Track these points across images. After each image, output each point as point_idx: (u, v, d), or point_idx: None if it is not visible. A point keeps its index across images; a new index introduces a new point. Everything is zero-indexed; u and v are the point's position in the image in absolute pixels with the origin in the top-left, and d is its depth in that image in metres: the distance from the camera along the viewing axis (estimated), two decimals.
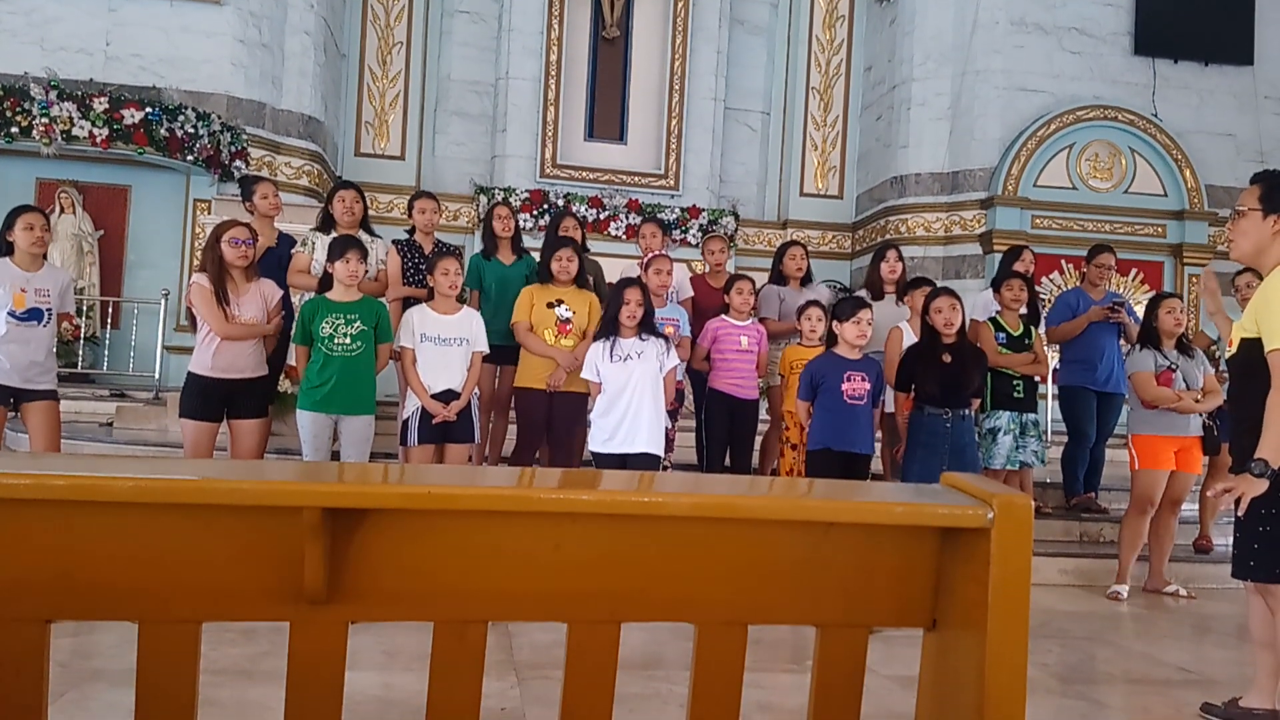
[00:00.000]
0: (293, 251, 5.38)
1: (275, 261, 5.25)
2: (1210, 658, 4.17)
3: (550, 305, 5.06)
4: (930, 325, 4.83)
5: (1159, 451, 5.08)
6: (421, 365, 4.79)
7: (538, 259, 5.85)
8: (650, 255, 5.84)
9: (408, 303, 5.26)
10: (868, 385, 4.64)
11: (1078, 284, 7.41)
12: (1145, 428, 5.11)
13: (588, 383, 4.83)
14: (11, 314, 4.52)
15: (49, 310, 4.62)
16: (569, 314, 5.05)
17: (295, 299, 5.32)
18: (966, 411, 4.81)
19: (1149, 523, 5.23)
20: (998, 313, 5.70)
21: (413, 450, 4.81)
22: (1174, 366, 5.05)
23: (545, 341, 5.02)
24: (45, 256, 4.80)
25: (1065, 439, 6.27)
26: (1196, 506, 5.97)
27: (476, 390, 5.00)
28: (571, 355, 4.96)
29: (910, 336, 5.33)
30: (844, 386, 4.61)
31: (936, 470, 4.27)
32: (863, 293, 6.23)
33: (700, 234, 10.33)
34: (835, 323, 4.79)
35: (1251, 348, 2.84)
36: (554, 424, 5.06)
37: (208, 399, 4.63)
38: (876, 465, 6.09)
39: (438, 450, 4.86)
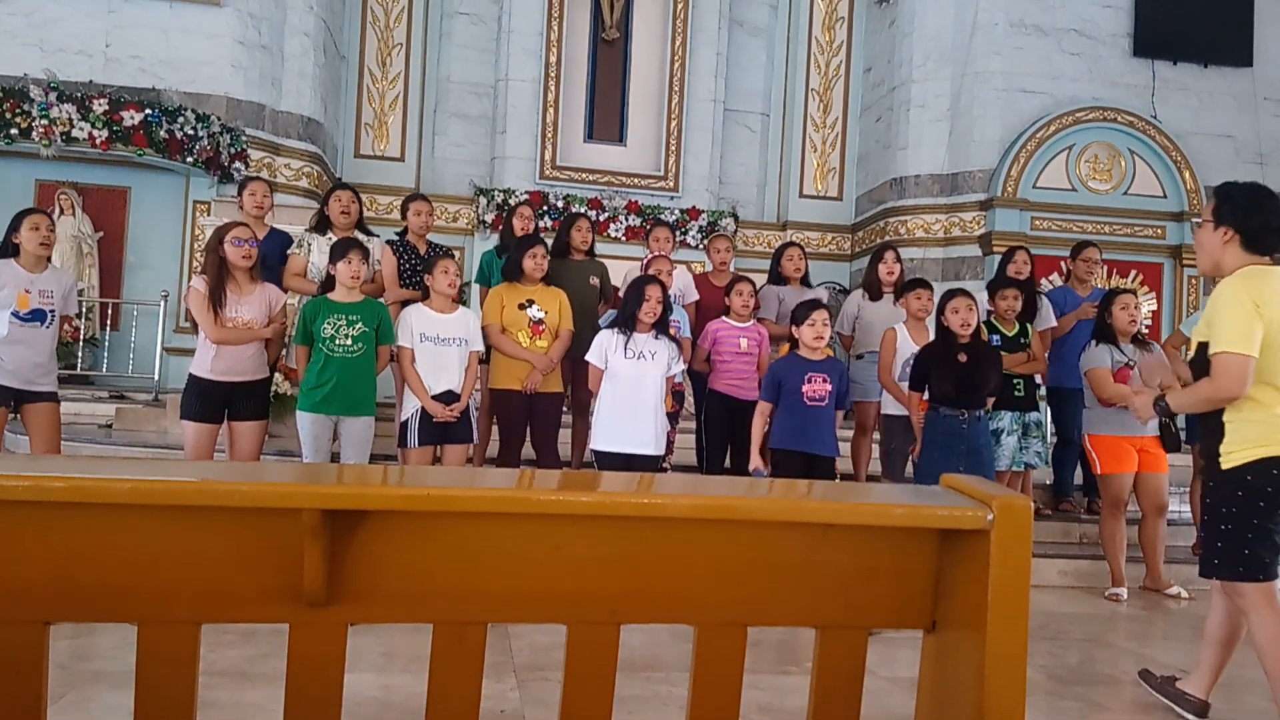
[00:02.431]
0: (288, 253, 5.38)
1: (259, 260, 5.18)
2: None
3: (522, 306, 5.04)
4: (945, 326, 4.80)
5: (1120, 452, 5.06)
6: (420, 365, 4.78)
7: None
8: (649, 256, 5.86)
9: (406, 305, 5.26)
10: (828, 387, 4.61)
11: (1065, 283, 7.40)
12: (1102, 427, 5.07)
13: (562, 379, 4.82)
14: (15, 315, 4.53)
15: (52, 312, 4.63)
16: (541, 314, 5.04)
17: (293, 301, 5.32)
18: (982, 412, 4.79)
19: (1138, 530, 5.23)
20: (991, 315, 5.69)
21: (412, 452, 4.81)
22: (1131, 363, 5.01)
23: (519, 344, 5.02)
24: (50, 259, 4.81)
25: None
26: (1188, 509, 5.94)
27: (476, 390, 5.00)
28: (547, 358, 4.98)
29: (905, 338, 5.32)
30: (804, 388, 4.59)
31: (953, 471, 4.24)
32: (859, 293, 6.24)
33: (700, 235, 10.35)
34: (793, 326, 4.78)
35: (1207, 351, 2.95)
36: (534, 425, 5.07)
37: (208, 401, 4.63)
38: (845, 466, 6.10)
39: (436, 451, 4.86)
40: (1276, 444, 2.84)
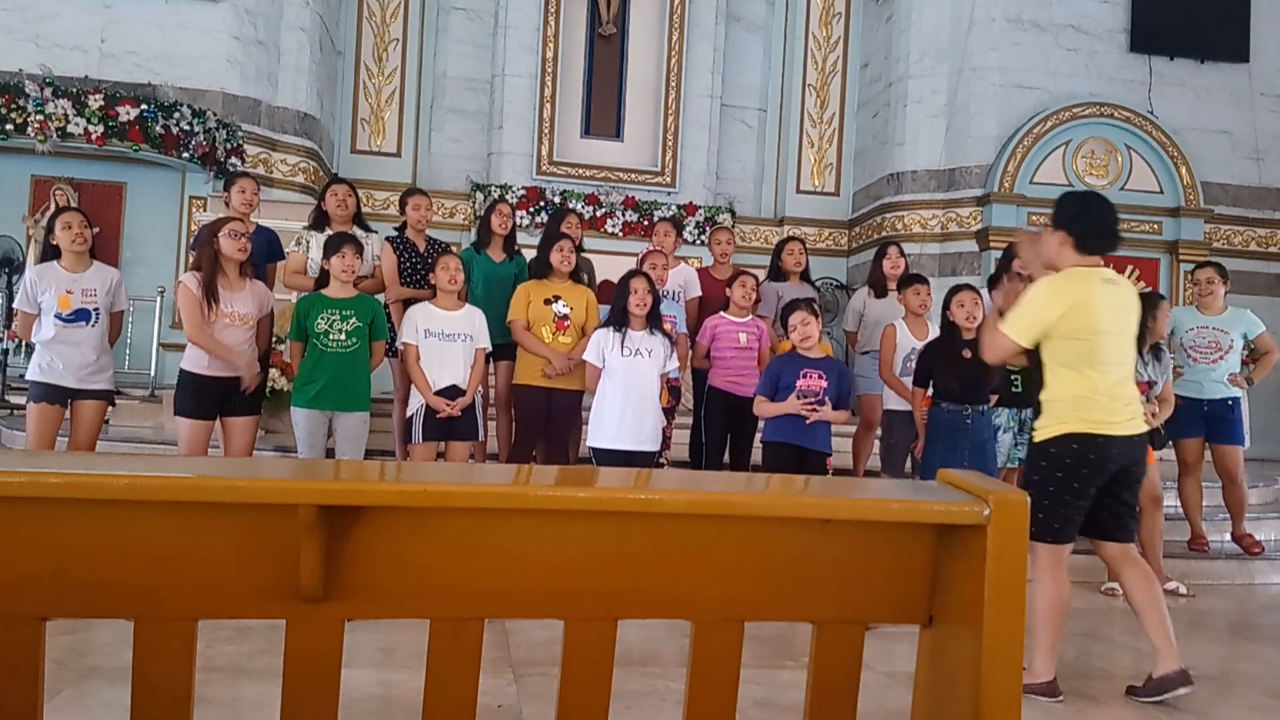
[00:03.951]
0: (287, 251, 5.37)
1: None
2: (1204, 654, 4.18)
3: (547, 302, 5.05)
4: (950, 321, 4.80)
5: None
6: (425, 362, 4.78)
7: (528, 259, 5.85)
8: (645, 251, 5.85)
9: (408, 303, 5.24)
10: (824, 383, 4.62)
11: None
12: None
13: (584, 377, 4.83)
14: (58, 316, 4.54)
15: (96, 310, 4.64)
16: (566, 310, 5.03)
17: (292, 299, 5.31)
18: (985, 408, 4.79)
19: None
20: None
21: (416, 448, 4.81)
22: (1151, 382, 5.02)
23: (543, 340, 5.02)
24: (93, 255, 4.80)
25: None
26: (1179, 504, 5.93)
27: (480, 387, 4.99)
28: (565, 356, 4.96)
29: (905, 333, 5.32)
30: (799, 384, 4.61)
31: (957, 467, 4.23)
32: (864, 290, 6.24)
33: (697, 231, 10.34)
34: (783, 326, 4.80)
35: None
36: (551, 422, 5.06)
37: (202, 397, 4.60)
38: (846, 461, 6.10)
39: (440, 448, 4.86)
40: (1076, 422, 3.27)
